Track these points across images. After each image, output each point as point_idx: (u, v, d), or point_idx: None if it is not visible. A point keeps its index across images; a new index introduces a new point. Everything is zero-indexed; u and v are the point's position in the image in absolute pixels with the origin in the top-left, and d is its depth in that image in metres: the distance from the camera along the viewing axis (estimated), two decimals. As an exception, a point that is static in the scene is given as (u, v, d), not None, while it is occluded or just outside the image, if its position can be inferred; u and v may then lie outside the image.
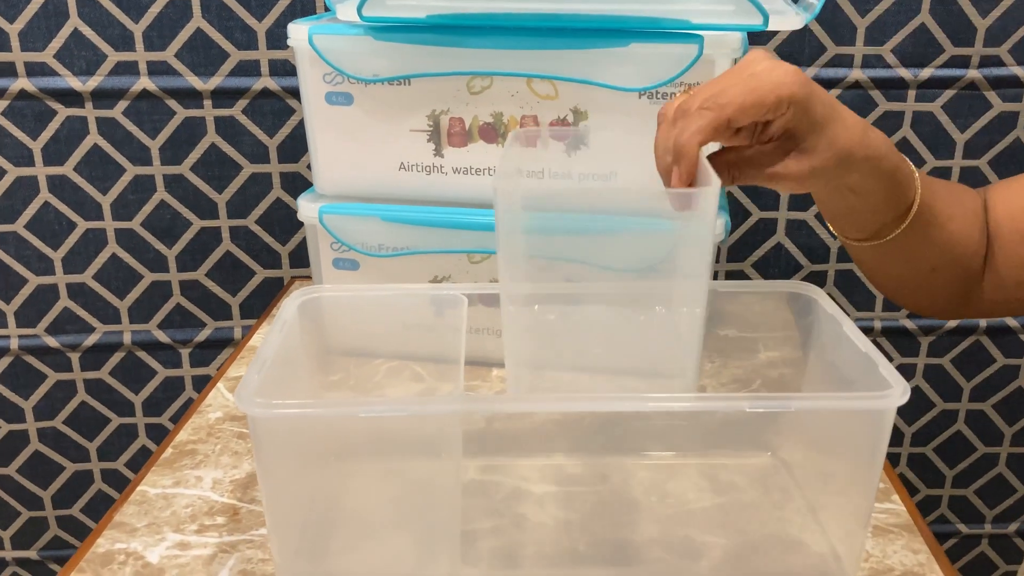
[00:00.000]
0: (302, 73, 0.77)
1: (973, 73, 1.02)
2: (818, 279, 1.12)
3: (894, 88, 1.03)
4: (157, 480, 0.68)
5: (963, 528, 1.25)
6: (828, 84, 1.03)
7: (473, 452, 0.65)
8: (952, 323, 1.13)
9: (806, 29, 1.00)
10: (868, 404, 0.51)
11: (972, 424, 1.19)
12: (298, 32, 0.75)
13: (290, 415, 0.51)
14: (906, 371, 1.16)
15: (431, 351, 0.69)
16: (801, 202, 1.08)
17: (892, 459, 1.21)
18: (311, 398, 0.67)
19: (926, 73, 1.02)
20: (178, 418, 1.04)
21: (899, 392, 0.50)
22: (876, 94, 1.03)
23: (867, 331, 1.13)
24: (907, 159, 0.61)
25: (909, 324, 1.13)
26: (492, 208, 0.80)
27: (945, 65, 1.02)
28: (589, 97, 0.74)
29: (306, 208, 0.80)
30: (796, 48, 1.01)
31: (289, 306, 0.61)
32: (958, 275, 0.66)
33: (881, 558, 0.60)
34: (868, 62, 1.02)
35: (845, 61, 1.02)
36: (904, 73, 1.02)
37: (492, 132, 0.76)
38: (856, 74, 1.02)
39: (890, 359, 1.15)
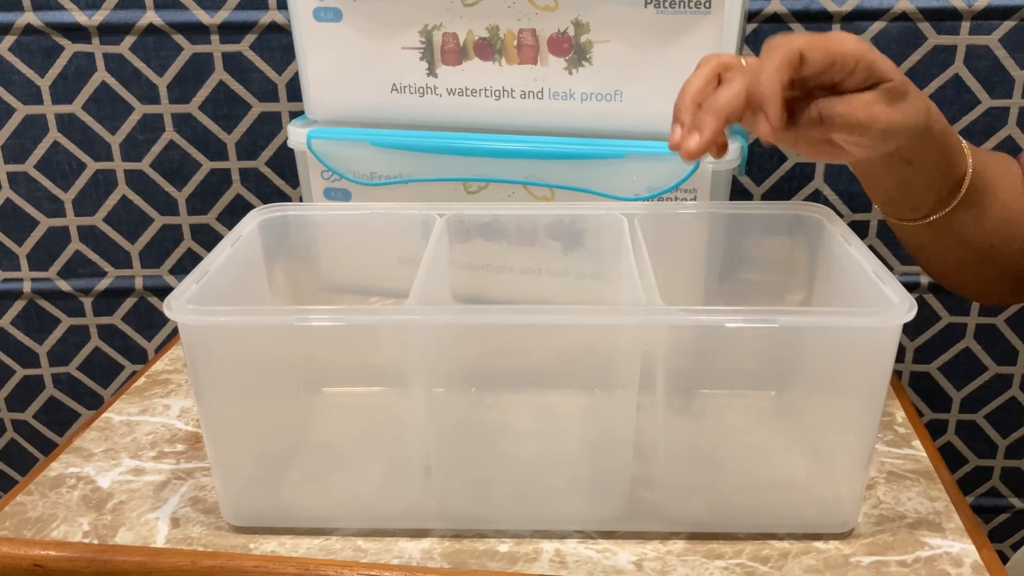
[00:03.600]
0: (290, -12, 0.73)
1: (1035, 1, 0.93)
2: (860, 230, 1.04)
3: (945, 19, 0.95)
4: (124, 408, 0.65)
5: (1016, 502, 1.16)
6: (871, 16, 0.95)
7: (455, 386, 0.61)
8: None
9: (846, -46, 0.93)
10: (863, 321, 0.44)
11: (1029, 390, 1.11)
12: (283, -58, 0.71)
13: (225, 324, 0.47)
14: (956, 332, 1.08)
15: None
16: (841, 145, 1.00)
17: (939, 426, 1.12)
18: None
19: (982, 2, 0.94)
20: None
21: (904, 309, 0.44)
22: (925, 26, 0.95)
23: (914, 286, 1.05)
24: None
25: (959, 279, 1.05)
26: (489, 133, 0.75)
27: (1004, -7, 0.93)
28: (591, 7, 0.69)
29: (295, 134, 0.76)
30: (836, -25, 0.94)
31: (248, 223, 0.57)
32: (1018, 251, 0.62)
33: (893, 504, 0.53)
34: (916, -10, 0.94)
35: (890, -11, 0.94)
36: (957, 2, 0.94)
37: (488, 48, 0.71)
38: (902, 4, 0.94)
39: (938, 318, 1.07)
